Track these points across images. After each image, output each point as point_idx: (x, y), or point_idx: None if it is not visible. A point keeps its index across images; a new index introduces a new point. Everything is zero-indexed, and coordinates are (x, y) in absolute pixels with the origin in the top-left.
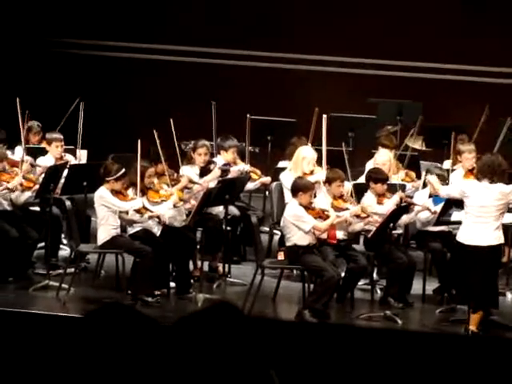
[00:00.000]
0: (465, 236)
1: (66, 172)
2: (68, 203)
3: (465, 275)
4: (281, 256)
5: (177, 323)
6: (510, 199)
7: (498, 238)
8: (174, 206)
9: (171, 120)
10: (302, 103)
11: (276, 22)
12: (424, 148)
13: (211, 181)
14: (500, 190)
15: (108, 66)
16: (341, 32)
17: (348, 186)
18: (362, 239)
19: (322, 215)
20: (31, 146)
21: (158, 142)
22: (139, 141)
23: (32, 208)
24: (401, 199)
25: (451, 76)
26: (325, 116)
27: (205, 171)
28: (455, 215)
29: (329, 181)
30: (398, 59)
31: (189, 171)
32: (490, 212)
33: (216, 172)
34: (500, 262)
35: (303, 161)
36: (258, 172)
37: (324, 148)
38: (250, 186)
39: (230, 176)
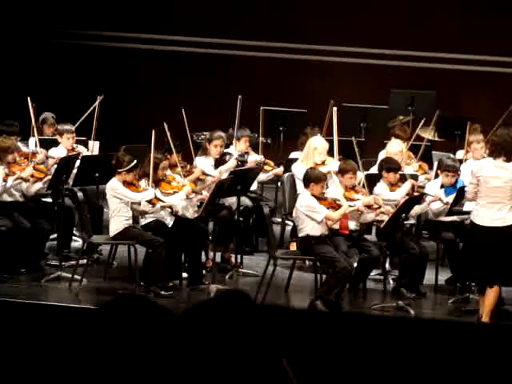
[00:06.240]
0: (480, 218)
1: (78, 163)
2: (80, 194)
3: (480, 255)
4: (293, 247)
5: (189, 311)
6: None
7: None
8: (187, 197)
9: (183, 110)
10: (314, 94)
11: (289, 12)
12: (436, 138)
13: (228, 171)
14: None
15: (122, 58)
16: (354, 22)
17: (360, 175)
18: (374, 230)
19: (333, 205)
20: (44, 137)
21: (168, 133)
22: (153, 131)
23: (44, 199)
24: (413, 187)
25: (463, 66)
26: (335, 108)
27: (220, 162)
28: (467, 205)
29: (342, 172)
30: (410, 49)
31: (203, 162)
32: (504, 193)
33: (233, 162)
34: None
35: (314, 151)
36: (271, 163)
37: (335, 139)
38: (262, 177)
39: (247, 166)
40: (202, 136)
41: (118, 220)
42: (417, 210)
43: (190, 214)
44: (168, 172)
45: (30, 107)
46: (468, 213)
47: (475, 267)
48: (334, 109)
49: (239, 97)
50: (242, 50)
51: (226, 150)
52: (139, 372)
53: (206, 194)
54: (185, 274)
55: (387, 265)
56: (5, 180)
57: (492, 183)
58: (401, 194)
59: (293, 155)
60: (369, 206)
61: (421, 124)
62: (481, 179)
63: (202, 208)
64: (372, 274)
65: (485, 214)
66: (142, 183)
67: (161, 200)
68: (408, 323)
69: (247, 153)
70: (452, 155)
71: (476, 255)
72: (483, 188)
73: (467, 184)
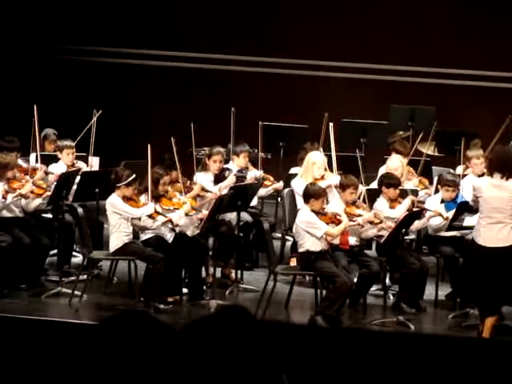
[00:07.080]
0: (483, 239)
1: (78, 179)
2: (80, 210)
3: (482, 276)
4: (293, 262)
5: (189, 327)
6: None
7: None
8: (186, 215)
9: (192, 125)
10: (314, 109)
11: (287, 28)
12: (436, 153)
13: (227, 187)
14: None
15: (121, 73)
16: (353, 38)
17: (361, 188)
18: (374, 245)
19: (334, 220)
20: (45, 153)
21: (174, 149)
22: (149, 146)
23: (44, 215)
24: (412, 203)
25: (463, 81)
26: (331, 124)
27: (219, 178)
28: (467, 220)
29: (342, 187)
30: (410, 65)
31: (203, 178)
32: (505, 212)
33: (232, 179)
34: None
35: (313, 166)
36: (271, 178)
37: (333, 154)
38: (262, 192)
39: (246, 182)
40: (202, 151)
41: (118, 236)
42: (417, 225)
43: (190, 232)
44: (169, 189)
45: (36, 116)
46: (468, 228)
47: (478, 290)
48: (331, 124)
49: (232, 109)
50: (241, 66)
51: (225, 166)
52: None
53: (205, 213)
54: (185, 290)
55: (387, 280)
56: (4, 197)
57: (492, 204)
58: (401, 210)
59: (293, 170)
60: (370, 222)
61: (419, 138)
62: (480, 200)
63: (201, 224)
64: (372, 289)
65: (487, 234)
66: (142, 198)
67: (161, 214)
68: (408, 338)
69: (247, 168)
70: (452, 170)
71: (478, 276)
72: (484, 209)
73: (467, 199)
